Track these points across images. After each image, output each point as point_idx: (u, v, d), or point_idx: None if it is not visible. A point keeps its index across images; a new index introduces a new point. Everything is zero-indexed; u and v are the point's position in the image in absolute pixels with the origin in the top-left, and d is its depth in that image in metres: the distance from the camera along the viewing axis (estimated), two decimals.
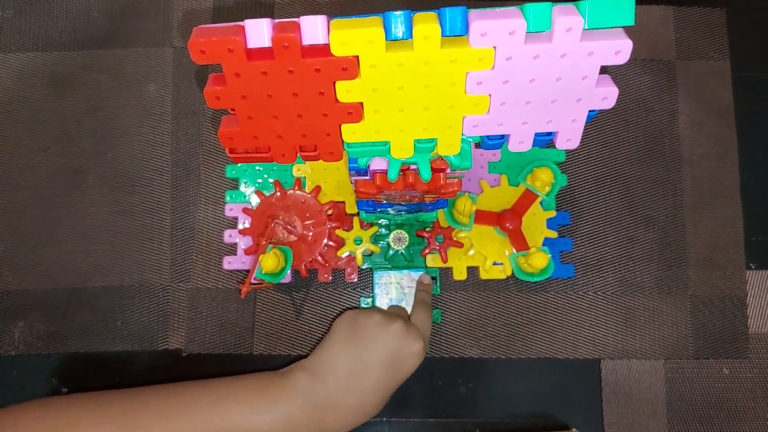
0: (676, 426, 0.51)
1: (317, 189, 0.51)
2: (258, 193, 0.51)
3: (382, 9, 0.54)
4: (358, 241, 0.51)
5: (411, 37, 0.28)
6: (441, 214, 0.50)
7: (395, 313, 0.47)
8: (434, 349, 0.51)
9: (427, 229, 0.51)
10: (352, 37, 0.27)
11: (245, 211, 0.51)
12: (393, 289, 0.50)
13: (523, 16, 0.27)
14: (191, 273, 0.52)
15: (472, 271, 0.52)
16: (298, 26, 0.28)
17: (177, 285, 0.52)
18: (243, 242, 0.51)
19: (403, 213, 0.49)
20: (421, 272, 0.50)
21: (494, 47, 0.28)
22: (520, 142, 0.35)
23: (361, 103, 0.31)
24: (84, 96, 0.55)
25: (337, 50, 0.28)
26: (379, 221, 0.51)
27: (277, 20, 0.28)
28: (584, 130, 0.56)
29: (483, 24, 0.27)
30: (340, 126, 0.33)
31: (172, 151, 0.54)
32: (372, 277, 0.50)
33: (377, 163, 0.37)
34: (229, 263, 0.51)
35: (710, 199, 0.54)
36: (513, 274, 0.50)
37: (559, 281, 0.52)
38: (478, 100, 0.31)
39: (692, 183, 0.54)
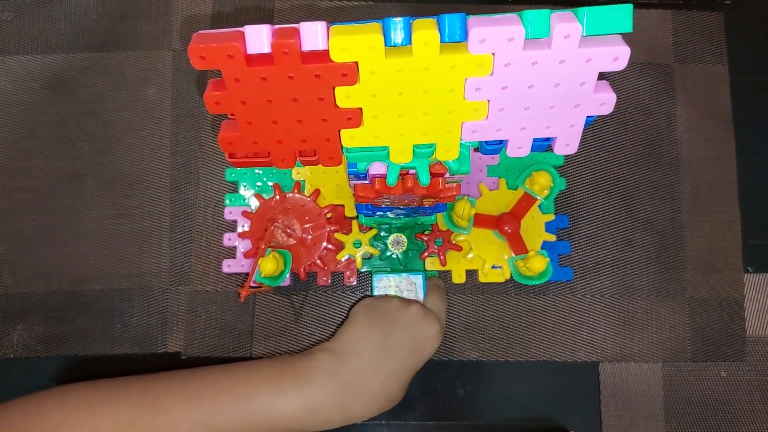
0: (674, 429, 0.51)
1: (316, 192, 0.51)
2: (257, 196, 0.51)
3: (382, 15, 0.54)
4: (358, 244, 0.51)
5: (410, 43, 0.28)
6: (440, 218, 0.51)
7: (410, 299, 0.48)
8: None
9: (426, 232, 0.51)
10: (352, 43, 0.27)
11: (245, 214, 0.51)
12: (392, 292, 0.50)
13: (522, 23, 0.27)
14: (190, 276, 0.52)
15: (471, 274, 0.52)
16: (297, 32, 0.28)
17: (176, 288, 0.52)
18: (242, 245, 0.51)
19: (401, 217, 0.49)
20: (420, 275, 0.50)
21: (493, 54, 0.28)
22: (519, 148, 0.35)
23: (361, 109, 0.31)
24: (83, 99, 0.55)
25: (336, 56, 0.28)
26: (379, 225, 0.51)
27: (276, 26, 0.28)
28: (582, 134, 0.56)
29: (482, 31, 0.27)
30: (339, 131, 0.33)
31: (172, 154, 0.54)
32: (371, 280, 0.51)
33: (376, 168, 0.37)
34: (229, 266, 0.51)
35: (708, 202, 0.54)
36: (512, 277, 0.50)
37: (558, 284, 0.52)
38: (477, 106, 0.31)
39: (690, 186, 0.55)
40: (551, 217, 0.52)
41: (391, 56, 0.28)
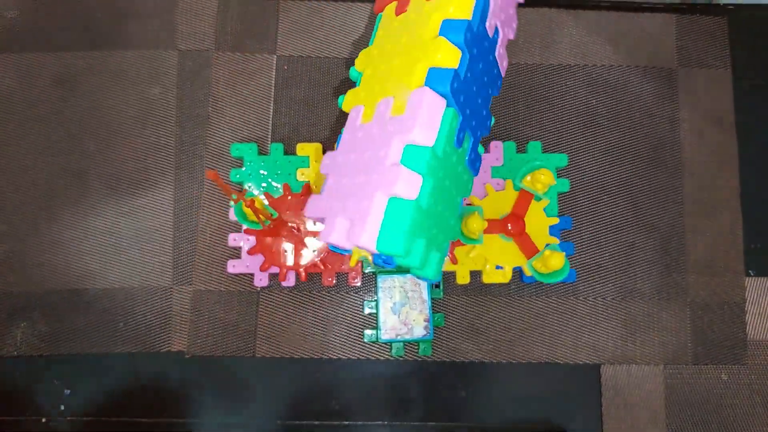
0: (675, 431, 0.51)
1: None
2: (267, 195, 0.51)
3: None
4: None
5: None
6: None
7: None
8: (436, 353, 0.51)
9: None
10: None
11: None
12: (396, 292, 0.50)
13: None
14: (194, 275, 0.52)
15: (475, 275, 0.52)
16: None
17: (180, 287, 0.52)
18: (246, 246, 0.51)
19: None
20: None
21: None
22: None
23: None
24: (87, 97, 0.55)
25: None
26: None
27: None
28: (586, 136, 0.56)
29: None
30: None
31: (176, 153, 0.54)
32: (375, 280, 0.51)
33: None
34: (234, 266, 0.51)
35: (710, 206, 0.55)
36: (521, 278, 0.51)
37: (561, 286, 0.53)
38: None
39: (693, 190, 0.55)
40: (556, 220, 0.52)
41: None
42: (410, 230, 0.31)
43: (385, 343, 0.51)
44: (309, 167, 0.52)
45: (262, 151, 0.54)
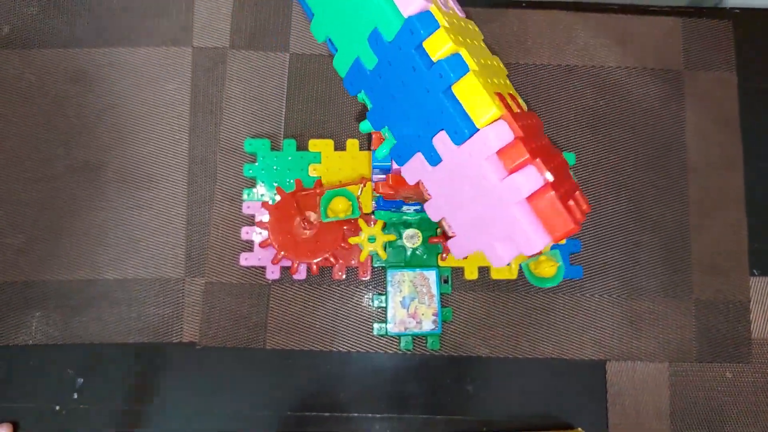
0: (680, 428, 0.52)
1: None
2: (279, 189, 0.52)
3: None
4: (372, 239, 0.52)
5: None
6: None
7: None
8: (443, 348, 0.52)
9: (439, 231, 0.52)
10: None
11: (264, 205, 0.52)
12: (406, 287, 0.51)
13: None
14: (206, 267, 0.53)
15: (483, 271, 0.53)
16: None
17: (192, 279, 0.53)
18: (258, 239, 0.52)
19: (415, 213, 0.50)
20: (433, 270, 0.51)
21: None
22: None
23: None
24: (104, 92, 0.56)
25: None
26: (395, 225, 0.52)
27: None
28: (593, 136, 0.57)
29: None
30: None
31: (190, 148, 0.55)
32: (385, 275, 0.51)
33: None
34: (246, 259, 0.52)
35: (715, 206, 0.55)
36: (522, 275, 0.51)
37: (567, 283, 0.53)
38: None
39: (698, 190, 0.56)
40: None
41: None
42: None
43: (394, 337, 0.52)
44: (320, 163, 0.53)
45: (275, 147, 0.55)
